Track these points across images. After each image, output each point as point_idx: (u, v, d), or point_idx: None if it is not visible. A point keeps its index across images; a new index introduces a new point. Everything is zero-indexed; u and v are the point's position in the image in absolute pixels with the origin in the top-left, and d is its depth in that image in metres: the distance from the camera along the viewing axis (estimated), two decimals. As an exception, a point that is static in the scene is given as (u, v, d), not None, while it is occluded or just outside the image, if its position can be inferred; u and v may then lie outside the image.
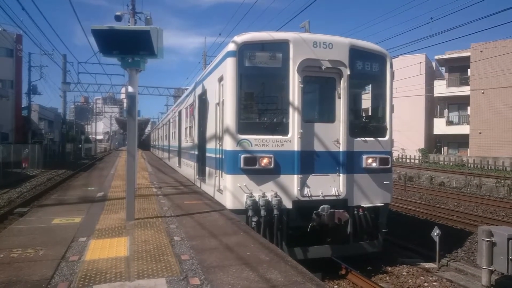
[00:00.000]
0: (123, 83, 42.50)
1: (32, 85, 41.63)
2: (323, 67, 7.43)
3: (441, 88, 40.48)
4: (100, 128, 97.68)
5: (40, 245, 5.07)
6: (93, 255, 4.71)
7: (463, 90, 38.42)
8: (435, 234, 8.49)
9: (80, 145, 59.70)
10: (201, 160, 10.30)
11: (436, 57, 42.18)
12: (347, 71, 7.56)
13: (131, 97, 6.96)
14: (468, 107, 38.48)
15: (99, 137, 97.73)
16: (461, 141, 39.64)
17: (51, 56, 36.67)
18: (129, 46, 6.29)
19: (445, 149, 41.90)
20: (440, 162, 35.04)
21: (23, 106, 43.24)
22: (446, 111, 42.23)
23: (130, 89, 6.92)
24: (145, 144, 58.27)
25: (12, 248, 4.92)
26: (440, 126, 41.02)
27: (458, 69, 40.53)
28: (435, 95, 40.99)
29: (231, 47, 7.30)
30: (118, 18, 11.77)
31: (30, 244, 5.12)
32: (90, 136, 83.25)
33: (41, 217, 7.00)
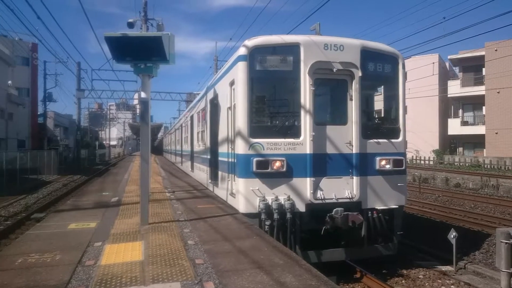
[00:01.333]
0: (136, 89, 43.06)
1: (48, 93, 42.55)
2: (334, 69, 7.40)
3: (455, 88, 39.91)
4: (114, 134, 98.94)
5: (57, 250, 5.14)
6: (108, 259, 4.76)
7: (478, 90, 37.78)
8: (452, 236, 8.34)
9: (94, 151, 60.55)
10: (214, 164, 10.33)
11: (449, 56, 41.64)
12: (358, 73, 7.51)
13: (144, 103, 7.04)
14: (483, 107, 37.81)
15: (113, 142, 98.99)
16: (476, 142, 38.96)
17: (66, 64, 37.47)
18: (142, 52, 6.37)
19: (460, 149, 41.22)
20: (456, 163, 34.48)
21: (39, 113, 44.13)
22: (460, 111, 41.58)
23: (142, 94, 7.00)
24: (158, 149, 58.78)
25: (30, 253, 5.00)
26: (455, 127, 40.41)
27: (472, 68, 39.91)
28: (449, 96, 40.42)
29: (242, 51, 7.33)
30: (131, 25, 11.94)
31: (47, 249, 5.20)
32: (104, 142, 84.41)
33: (57, 222, 7.11)
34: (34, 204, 16.75)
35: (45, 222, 7.50)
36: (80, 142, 43.03)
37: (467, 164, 33.06)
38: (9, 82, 36.44)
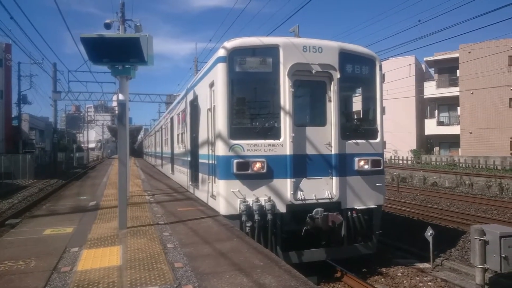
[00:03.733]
0: (114, 90, 42.37)
1: (22, 95, 41.26)
2: (313, 71, 7.48)
3: (431, 89, 40.91)
4: (92, 137, 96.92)
5: (32, 257, 5.00)
6: (85, 265, 4.66)
7: (453, 91, 38.89)
8: (429, 234, 8.54)
9: (72, 154, 59.20)
10: (194, 166, 10.27)
11: (425, 58, 42.71)
12: (337, 75, 7.61)
13: (122, 105, 6.94)
14: (458, 108, 38.92)
15: (91, 145, 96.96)
16: (452, 141, 40.06)
17: (41, 65, 36.50)
18: (119, 53, 6.28)
19: (436, 149, 42.27)
20: (432, 163, 35.32)
21: (13, 116, 42.80)
22: (436, 112, 42.66)
23: (120, 96, 6.90)
24: (138, 152, 57.96)
25: (3, 261, 4.84)
26: (431, 127, 41.43)
27: (447, 70, 41.04)
28: (425, 96, 41.40)
29: (221, 52, 7.31)
30: (108, 26, 11.74)
31: (21, 256, 5.05)
32: (82, 145, 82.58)
33: (32, 228, 6.91)
34: (8, 209, 16.22)
35: (19, 228, 7.28)
36: (57, 145, 41.96)
37: (443, 163, 33.92)
38: (-19, 83, 35.24)
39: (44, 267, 4.58)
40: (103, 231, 6.49)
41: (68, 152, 57.38)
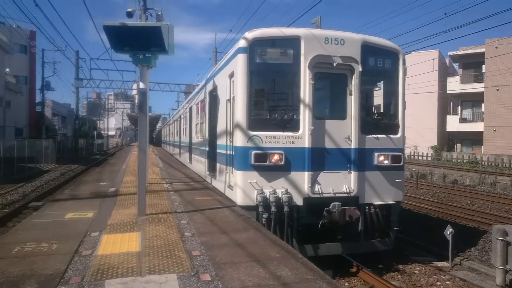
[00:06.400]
0: (134, 79, 42.84)
1: (46, 81, 42.21)
2: (334, 64, 7.36)
3: (454, 85, 39.82)
4: (112, 124, 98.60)
5: (54, 239, 5.14)
6: (105, 250, 4.76)
7: (477, 87, 37.70)
8: (448, 232, 8.38)
9: (92, 141, 60.42)
10: (212, 156, 10.32)
11: (449, 53, 41.48)
12: (359, 68, 7.47)
13: (142, 93, 7.00)
14: (482, 104, 37.79)
15: (111, 132, 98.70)
16: (474, 139, 38.99)
17: (64, 52, 37.26)
18: (140, 42, 6.31)
19: (458, 146, 41.28)
20: (453, 160, 34.54)
21: (37, 102, 43.88)
22: (459, 108, 41.56)
23: (141, 85, 6.95)
24: (156, 140, 58.72)
25: (27, 242, 5.00)
26: (453, 123, 40.41)
27: (473, 65, 39.79)
28: (448, 92, 40.36)
29: (241, 43, 7.27)
30: (130, 15, 11.85)
31: (44, 238, 5.20)
32: (102, 132, 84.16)
33: (54, 212, 7.11)
34: (31, 192, 16.73)
35: (42, 211, 7.50)
36: (78, 132, 42.92)
37: (464, 161, 33.13)
38: (7, 69, 36.18)
39: (66, 250, 4.71)
40: (122, 217, 6.61)
41: (89, 138, 58.57)
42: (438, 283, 7.45)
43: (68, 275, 3.90)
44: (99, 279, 3.80)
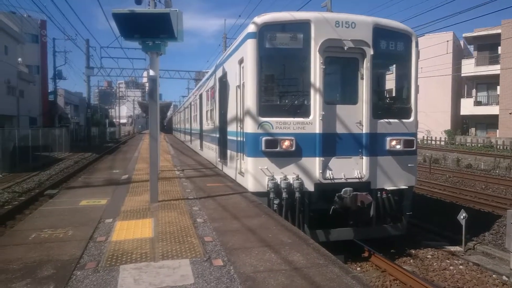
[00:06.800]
0: (145, 67, 42.96)
1: (57, 70, 42.65)
2: (345, 47, 7.24)
3: (469, 68, 38.96)
4: (124, 112, 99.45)
5: (69, 226, 5.24)
6: (119, 236, 4.84)
7: (493, 69, 36.80)
8: (462, 217, 8.30)
9: (105, 129, 61.10)
10: (223, 143, 10.34)
11: (464, 35, 40.46)
12: (370, 51, 7.33)
13: (152, 80, 7.00)
14: (498, 87, 36.94)
15: (123, 120, 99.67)
16: (489, 122, 38.28)
17: (75, 41, 37.49)
18: (150, 29, 6.28)
19: (472, 130, 40.60)
20: (467, 144, 34.05)
21: (49, 91, 44.41)
22: (474, 91, 40.70)
23: (151, 72, 6.95)
24: (167, 128, 59.09)
25: (43, 229, 5.11)
26: (468, 107, 39.66)
27: (488, 47, 38.78)
28: (462, 75, 39.53)
29: (251, 28, 7.19)
30: (138, 2, 11.66)
31: (60, 225, 5.30)
32: (114, 120, 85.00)
33: (69, 199, 7.24)
34: (46, 180, 17.07)
35: (57, 199, 7.64)
36: (90, 120, 43.40)
37: (479, 145, 32.63)
38: (19, 59, 36.58)
39: (81, 236, 4.80)
40: (135, 203, 6.70)
41: (101, 126, 59.23)
42: (451, 267, 7.42)
43: (83, 260, 3.98)
44: (114, 265, 3.87)
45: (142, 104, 74.96)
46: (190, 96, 24.32)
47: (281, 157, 7.15)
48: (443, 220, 10.17)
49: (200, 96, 15.77)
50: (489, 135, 37.09)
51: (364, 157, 7.39)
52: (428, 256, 7.99)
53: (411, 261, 7.77)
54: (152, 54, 6.75)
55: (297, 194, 6.94)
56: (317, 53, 7.12)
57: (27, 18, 36.00)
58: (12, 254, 4.16)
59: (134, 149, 21.58)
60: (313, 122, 7.18)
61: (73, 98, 60.22)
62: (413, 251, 8.17)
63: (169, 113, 67.95)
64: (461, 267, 7.45)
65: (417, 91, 8.10)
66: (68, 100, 56.81)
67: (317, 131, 7.17)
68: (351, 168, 7.37)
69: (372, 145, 7.41)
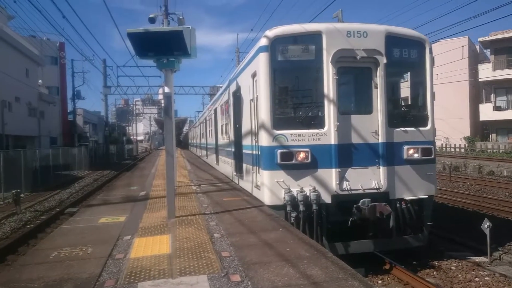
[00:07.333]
0: (160, 84, 43.71)
1: (76, 90, 43.67)
2: (358, 57, 7.22)
3: (486, 72, 38.21)
4: (140, 129, 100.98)
5: (88, 244, 5.30)
6: (137, 253, 4.86)
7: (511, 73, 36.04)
8: (486, 226, 8.04)
9: (122, 146, 62.10)
10: (238, 157, 10.36)
11: (480, 39, 39.82)
12: (383, 60, 7.29)
13: (167, 97, 7.11)
14: (518, 91, 36.11)
15: (140, 137, 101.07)
16: (511, 127, 37.31)
17: (92, 61, 38.35)
18: (164, 47, 6.41)
19: (493, 136, 39.61)
20: (489, 150, 33.23)
21: (68, 111, 45.54)
22: (493, 96, 39.84)
23: (166, 89, 7.06)
24: (183, 143, 59.64)
25: (63, 247, 5.18)
26: (487, 112, 38.77)
27: (505, 50, 38.01)
28: (480, 80, 38.79)
29: (263, 42, 7.25)
30: (152, 20, 12.03)
31: (80, 243, 5.37)
32: (131, 137, 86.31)
33: (89, 217, 7.34)
34: (67, 199, 17.37)
35: (77, 217, 7.76)
36: (108, 138, 44.22)
37: (501, 151, 31.80)
38: (40, 81, 37.72)
39: (100, 253, 4.84)
40: (153, 220, 6.74)
41: (119, 144, 60.23)
42: (477, 279, 7.16)
43: (102, 278, 4.01)
44: (132, 282, 3.88)
45: (158, 121, 75.91)
46: (205, 111, 24.58)
47: (297, 169, 7.11)
48: (466, 230, 9.87)
49: (215, 110, 15.91)
50: (510, 141, 36.11)
51: (381, 167, 7.28)
52: (452, 268, 7.74)
53: (434, 273, 7.53)
54: (167, 71, 6.87)
55: (314, 207, 6.87)
56: (330, 63, 7.12)
57: (46, 41, 37.25)
58: (34, 273, 4.22)
59: (151, 166, 21.81)
60: (328, 133, 7.14)
61: (91, 117, 61.55)
62: (436, 263, 7.93)
63: (185, 129, 68.64)
64: (487, 278, 7.19)
65: (433, 98, 7.98)
66: (87, 119, 58.08)
67: (333, 142, 7.11)
68: (369, 179, 7.26)
69: (389, 155, 7.30)
